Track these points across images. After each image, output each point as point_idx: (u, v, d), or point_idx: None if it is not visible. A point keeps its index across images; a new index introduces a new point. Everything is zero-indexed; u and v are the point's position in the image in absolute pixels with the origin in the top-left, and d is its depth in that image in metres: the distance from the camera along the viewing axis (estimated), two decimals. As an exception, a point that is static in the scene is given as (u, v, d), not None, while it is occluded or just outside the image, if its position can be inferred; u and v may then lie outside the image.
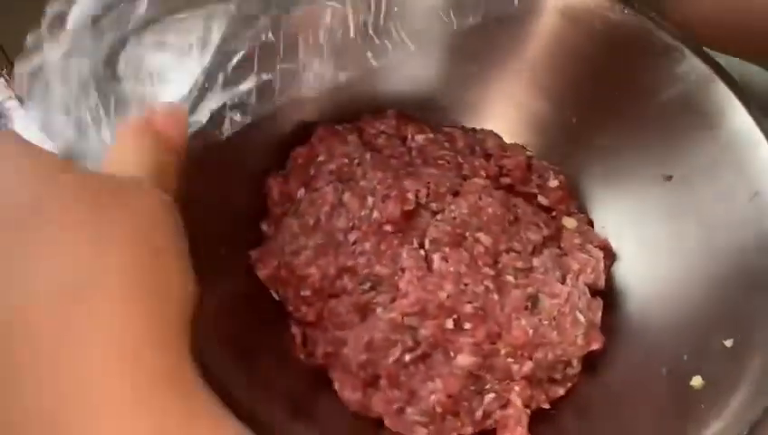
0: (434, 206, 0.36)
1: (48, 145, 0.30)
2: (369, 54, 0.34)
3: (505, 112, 0.40)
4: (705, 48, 0.34)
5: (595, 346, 0.35)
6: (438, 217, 0.35)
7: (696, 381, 0.32)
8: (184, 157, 0.27)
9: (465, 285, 0.34)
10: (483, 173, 0.38)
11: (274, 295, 0.36)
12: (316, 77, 0.33)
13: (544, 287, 0.35)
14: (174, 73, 0.30)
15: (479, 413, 0.33)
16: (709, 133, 0.34)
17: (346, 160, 0.37)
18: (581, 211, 0.40)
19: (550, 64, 0.38)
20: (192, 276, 0.23)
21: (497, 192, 0.37)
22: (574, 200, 0.40)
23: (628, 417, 0.33)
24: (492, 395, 0.33)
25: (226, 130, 0.31)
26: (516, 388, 0.33)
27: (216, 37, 0.31)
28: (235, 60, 0.31)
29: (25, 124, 0.31)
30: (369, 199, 0.35)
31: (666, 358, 0.34)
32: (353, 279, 0.34)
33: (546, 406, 0.34)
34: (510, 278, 0.35)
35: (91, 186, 0.22)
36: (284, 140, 0.38)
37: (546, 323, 0.34)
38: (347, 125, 0.38)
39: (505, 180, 0.39)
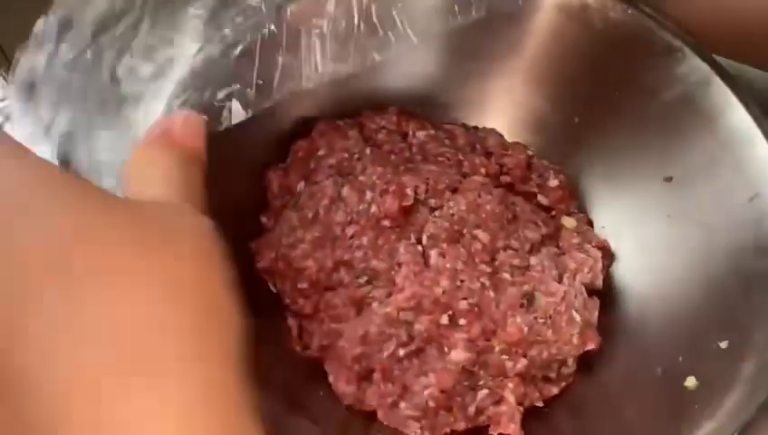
0: (432, 202, 0.36)
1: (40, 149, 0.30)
2: (373, 47, 0.34)
3: (507, 111, 0.40)
4: (706, 48, 0.34)
5: (591, 346, 0.35)
6: (437, 213, 0.35)
7: (690, 381, 0.32)
8: (206, 168, 0.25)
9: (462, 281, 0.34)
10: (482, 171, 0.38)
11: (272, 287, 0.36)
12: (318, 69, 0.34)
13: (540, 286, 0.35)
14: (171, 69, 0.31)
15: (472, 409, 0.33)
16: (709, 133, 0.34)
17: (346, 155, 0.37)
18: (581, 211, 0.40)
19: (551, 63, 0.38)
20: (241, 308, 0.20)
21: (496, 190, 0.37)
22: (574, 200, 0.40)
23: (621, 417, 0.33)
24: (485, 391, 0.33)
25: (226, 121, 0.32)
26: (510, 385, 0.33)
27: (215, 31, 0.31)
28: (236, 51, 0.32)
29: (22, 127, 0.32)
30: (368, 194, 0.35)
31: (661, 358, 0.34)
32: (350, 273, 0.34)
33: (540, 404, 0.34)
34: (506, 276, 0.35)
35: (132, 221, 0.19)
36: (285, 134, 0.38)
37: (541, 321, 0.34)
38: (348, 120, 0.39)
39: (505, 179, 0.39)
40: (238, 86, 0.32)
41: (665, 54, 0.34)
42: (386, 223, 0.35)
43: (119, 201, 0.20)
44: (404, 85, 0.39)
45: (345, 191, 0.35)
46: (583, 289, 0.36)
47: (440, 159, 0.38)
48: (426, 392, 0.33)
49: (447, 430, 0.33)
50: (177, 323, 0.18)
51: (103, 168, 0.31)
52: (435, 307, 0.33)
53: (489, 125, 0.41)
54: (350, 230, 0.35)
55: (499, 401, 0.33)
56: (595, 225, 0.39)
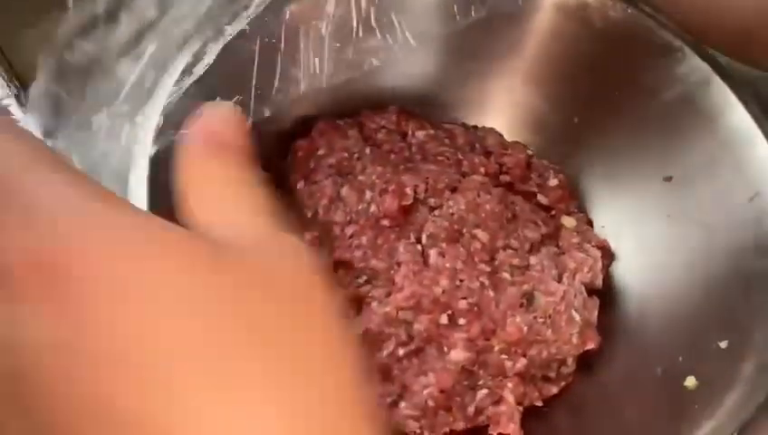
0: (432, 201, 0.36)
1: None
2: (371, 51, 0.34)
3: (506, 110, 0.40)
4: (706, 48, 0.34)
5: (590, 345, 0.35)
6: (436, 212, 0.35)
7: (690, 381, 0.32)
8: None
9: (461, 280, 0.34)
10: (482, 170, 0.38)
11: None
12: (317, 73, 0.34)
13: (540, 285, 0.35)
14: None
15: (471, 409, 0.33)
16: (709, 133, 0.34)
17: (346, 155, 0.37)
18: (581, 210, 0.40)
19: (550, 63, 0.38)
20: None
21: (496, 189, 0.37)
22: (574, 200, 0.40)
23: (621, 417, 0.33)
24: (485, 391, 0.33)
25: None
26: (509, 385, 0.33)
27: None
28: (235, 57, 0.32)
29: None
30: (368, 194, 0.35)
31: (661, 358, 0.34)
32: (349, 272, 0.34)
33: (539, 404, 0.34)
34: (506, 275, 0.35)
35: (248, 283, 0.17)
36: (285, 134, 0.38)
37: (541, 320, 0.34)
38: (347, 120, 0.39)
39: (505, 178, 0.39)
40: (237, 93, 0.32)
41: (665, 54, 0.34)
42: (385, 222, 0.35)
43: (224, 256, 0.17)
44: (404, 85, 0.39)
45: (344, 191, 0.35)
46: (583, 289, 0.36)
47: (440, 158, 0.38)
48: (425, 392, 0.33)
49: (447, 429, 0.33)
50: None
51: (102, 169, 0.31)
52: (434, 307, 0.33)
53: (489, 125, 0.41)
54: (349, 230, 0.35)
55: (498, 401, 0.33)
56: (595, 224, 0.39)
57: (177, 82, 0.31)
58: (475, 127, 0.41)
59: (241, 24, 0.31)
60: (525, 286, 0.35)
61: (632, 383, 0.34)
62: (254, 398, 0.15)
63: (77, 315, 0.15)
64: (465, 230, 0.35)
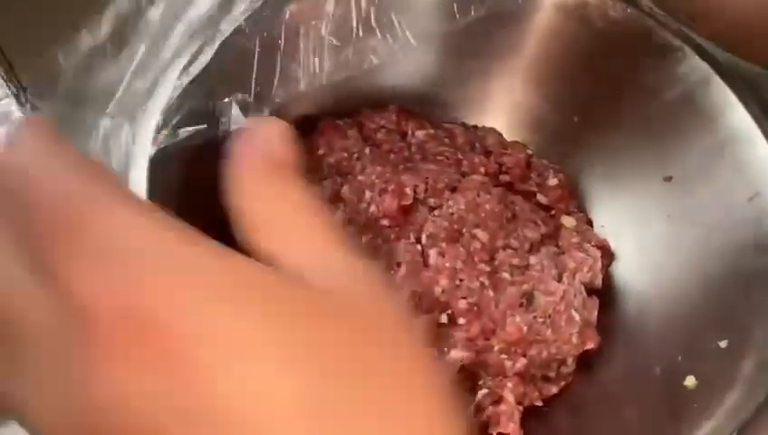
0: (431, 201, 0.36)
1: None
2: (371, 49, 0.34)
3: (506, 110, 0.40)
4: (706, 47, 0.34)
5: (590, 345, 0.35)
6: (436, 212, 0.35)
7: (690, 381, 0.32)
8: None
9: (461, 280, 0.34)
10: (482, 170, 0.38)
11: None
12: (317, 72, 0.34)
13: (540, 285, 0.35)
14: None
15: (471, 409, 0.33)
16: (709, 133, 0.34)
17: (345, 154, 0.37)
18: (581, 210, 0.40)
19: (550, 62, 0.38)
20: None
21: (496, 189, 0.37)
22: (574, 199, 0.40)
23: (621, 416, 0.33)
24: (484, 391, 0.33)
25: (224, 128, 0.32)
26: (509, 384, 0.33)
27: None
28: (235, 56, 0.32)
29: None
30: (367, 193, 0.35)
31: (660, 358, 0.34)
32: (349, 272, 0.34)
33: (539, 404, 0.34)
34: (506, 275, 0.35)
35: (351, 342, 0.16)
36: (285, 134, 0.38)
37: (541, 320, 0.34)
38: (347, 119, 0.39)
39: (505, 178, 0.39)
40: (237, 92, 0.32)
41: (665, 54, 0.34)
42: (385, 222, 0.35)
43: (320, 302, 0.16)
44: (403, 84, 0.39)
45: (344, 191, 0.35)
46: (583, 288, 0.36)
47: (439, 158, 0.38)
48: (425, 392, 0.33)
49: (447, 429, 0.33)
50: None
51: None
52: (434, 306, 0.33)
53: (488, 124, 0.41)
54: (349, 230, 0.35)
55: (498, 401, 0.33)
56: (594, 224, 0.39)
57: (177, 80, 0.31)
58: (475, 126, 0.41)
59: (238, 21, 0.31)
60: (525, 286, 0.35)
61: (632, 383, 0.34)
62: None
63: (188, 377, 0.14)
64: (464, 230, 0.35)
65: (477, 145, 0.39)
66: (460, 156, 0.38)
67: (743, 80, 0.33)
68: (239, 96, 0.32)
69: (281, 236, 0.18)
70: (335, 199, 0.35)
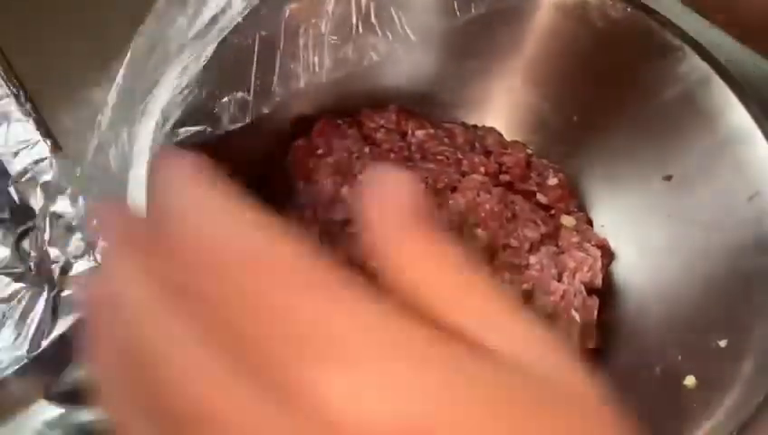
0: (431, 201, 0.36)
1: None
2: (371, 47, 0.34)
3: (506, 110, 0.40)
4: (712, 41, 0.34)
5: (590, 345, 0.35)
6: (436, 212, 0.35)
7: (690, 380, 0.32)
8: None
9: (461, 280, 0.34)
10: (482, 170, 0.38)
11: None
12: (316, 70, 0.33)
13: (540, 284, 0.35)
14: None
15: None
16: (709, 132, 0.34)
17: (345, 154, 0.37)
18: (581, 210, 0.40)
19: (550, 62, 0.38)
20: None
21: (495, 189, 0.37)
22: (574, 199, 0.40)
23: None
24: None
25: (225, 127, 0.32)
26: (509, 384, 0.33)
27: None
28: (235, 54, 0.32)
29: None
30: (367, 193, 0.35)
31: (660, 358, 0.33)
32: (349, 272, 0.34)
33: (539, 403, 0.34)
34: (506, 274, 0.35)
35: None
36: (285, 133, 0.38)
37: (541, 320, 0.34)
38: (347, 119, 0.39)
39: (504, 177, 0.39)
40: (237, 91, 0.32)
41: (665, 54, 0.34)
42: (385, 222, 0.35)
43: (542, 401, 0.14)
44: (403, 83, 0.39)
45: (344, 190, 0.35)
46: (582, 288, 0.36)
47: (439, 157, 0.38)
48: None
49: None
50: None
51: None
52: (434, 306, 0.33)
53: (488, 124, 0.41)
54: (348, 229, 0.35)
55: (498, 400, 0.33)
56: (594, 224, 0.39)
57: (177, 80, 0.31)
58: (475, 126, 0.41)
59: (237, 19, 0.31)
60: (525, 286, 0.35)
61: (632, 383, 0.34)
62: None
63: None
64: (464, 229, 0.35)
65: (477, 145, 0.39)
66: (460, 156, 0.38)
67: (742, 80, 0.33)
68: (239, 95, 0.32)
69: (467, 307, 0.15)
70: (335, 199, 0.35)
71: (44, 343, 0.35)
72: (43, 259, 0.37)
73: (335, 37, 0.33)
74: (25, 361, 0.34)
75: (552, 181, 0.39)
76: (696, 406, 0.30)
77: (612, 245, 0.38)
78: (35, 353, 0.34)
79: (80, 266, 0.37)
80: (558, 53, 0.37)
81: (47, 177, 0.39)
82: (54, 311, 0.36)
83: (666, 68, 0.34)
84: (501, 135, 0.40)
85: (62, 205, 0.38)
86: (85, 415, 0.34)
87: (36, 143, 0.40)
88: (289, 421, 0.12)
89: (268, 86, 0.32)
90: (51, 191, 0.39)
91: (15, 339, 0.35)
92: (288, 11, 0.32)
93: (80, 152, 0.31)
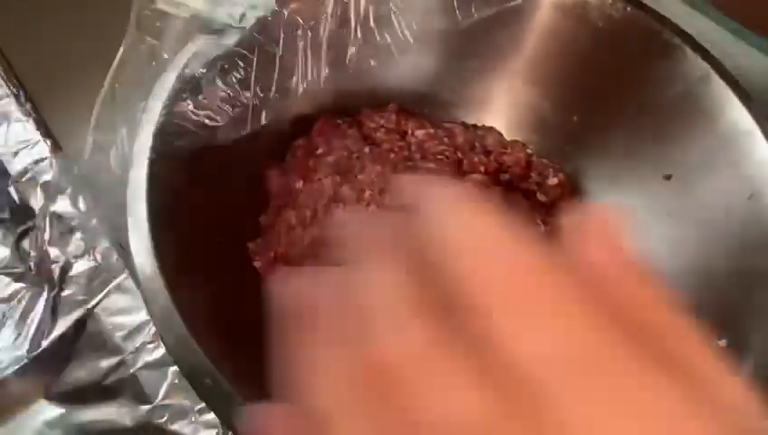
0: (431, 201, 0.36)
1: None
2: (370, 50, 0.34)
3: (506, 109, 0.40)
4: (706, 47, 0.34)
5: (590, 344, 0.35)
6: (436, 211, 0.35)
7: (690, 380, 0.32)
8: None
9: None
10: (482, 169, 0.38)
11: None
12: (315, 75, 0.34)
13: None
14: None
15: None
16: (709, 131, 0.34)
17: (345, 154, 0.37)
18: (581, 209, 0.40)
19: (550, 61, 0.38)
20: None
21: (495, 188, 0.37)
22: (574, 198, 0.40)
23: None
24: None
25: (224, 136, 0.32)
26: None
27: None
28: (232, 54, 0.32)
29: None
30: (367, 193, 0.35)
31: (660, 357, 0.33)
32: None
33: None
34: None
35: None
36: (285, 133, 0.38)
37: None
38: (347, 119, 0.39)
39: (504, 177, 0.39)
40: (236, 92, 0.32)
41: (665, 53, 0.34)
42: (385, 222, 0.35)
43: None
44: (403, 83, 0.39)
45: (344, 190, 0.35)
46: (582, 288, 0.36)
47: (439, 157, 0.38)
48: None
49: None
50: None
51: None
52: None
53: (488, 123, 0.41)
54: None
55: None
56: (594, 223, 0.39)
57: (177, 81, 0.31)
58: (475, 126, 0.41)
59: (236, 20, 0.31)
60: (525, 285, 0.35)
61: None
62: None
63: None
64: (464, 229, 0.35)
65: (477, 144, 0.39)
66: (460, 155, 0.38)
67: (743, 77, 0.33)
68: (239, 98, 0.32)
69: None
70: (335, 199, 0.35)
71: (44, 343, 0.35)
72: (43, 259, 0.37)
73: (334, 39, 0.33)
74: (25, 361, 0.34)
75: (552, 181, 0.39)
76: (696, 406, 0.30)
77: (612, 244, 0.38)
78: (35, 353, 0.34)
79: (80, 266, 0.37)
80: (558, 53, 0.37)
81: (47, 177, 0.39)
82: (54, 311, 0.36)
83: (666, 68, 0.34)
84: (501, 135, 0.40)
85: (62, 205, 0.38)
86: (85, 415, 0.34)
87: (36, 143, 0.40)
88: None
89: (268, 87, 0.32)
90: (51, 191, 0.39)
91: (15, 339, 0.35)
92: (287, 13, 0.32)
93: (80, 152, 0.31)
